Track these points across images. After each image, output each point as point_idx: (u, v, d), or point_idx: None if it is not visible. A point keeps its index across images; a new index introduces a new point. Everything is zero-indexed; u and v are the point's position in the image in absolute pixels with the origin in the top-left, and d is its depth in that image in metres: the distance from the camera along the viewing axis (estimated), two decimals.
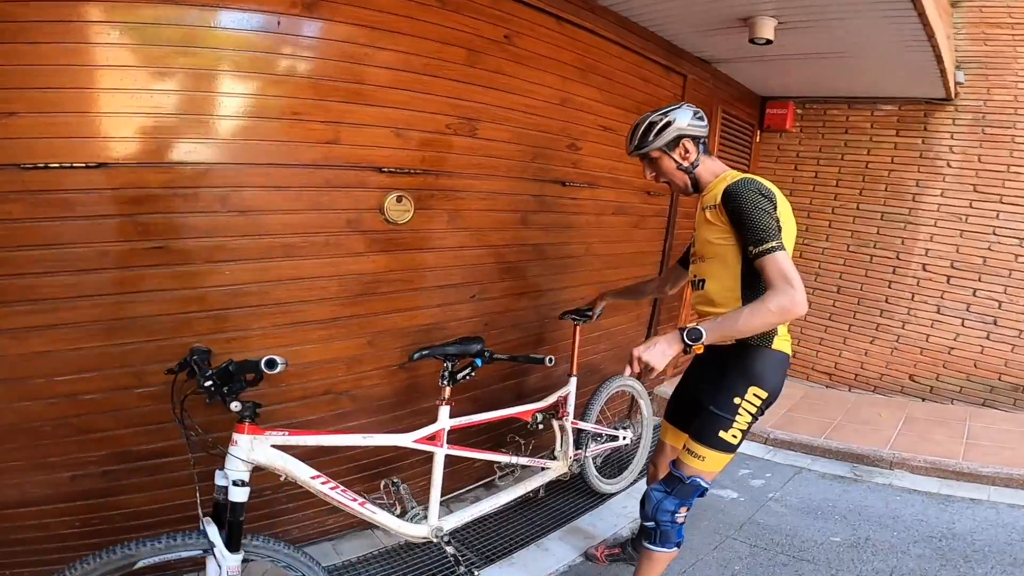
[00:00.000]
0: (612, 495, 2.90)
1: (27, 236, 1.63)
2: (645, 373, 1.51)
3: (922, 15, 2.68)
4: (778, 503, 2.92)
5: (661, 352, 1.50)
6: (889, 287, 4.43)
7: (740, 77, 4.21)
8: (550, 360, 2.22)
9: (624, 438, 2.81)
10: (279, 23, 1.88)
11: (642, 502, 1.81)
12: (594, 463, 2.80)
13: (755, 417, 1.72)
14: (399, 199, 2.22)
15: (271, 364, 1.46)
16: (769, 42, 2.98)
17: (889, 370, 4.46)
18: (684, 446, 1.76)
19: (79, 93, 1.62)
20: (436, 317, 2.47)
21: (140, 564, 1.41)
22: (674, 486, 1.74)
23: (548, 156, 2.78)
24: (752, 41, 3.00)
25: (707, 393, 1.75)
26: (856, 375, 4.59)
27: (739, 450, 3.60)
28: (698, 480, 1.71)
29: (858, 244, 4.55)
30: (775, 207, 1.60)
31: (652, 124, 1.78)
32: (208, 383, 1.48)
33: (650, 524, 1.76)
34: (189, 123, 1.79)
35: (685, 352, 1.52)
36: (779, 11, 2.83)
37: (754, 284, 1.60)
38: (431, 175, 2.32)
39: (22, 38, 1.54)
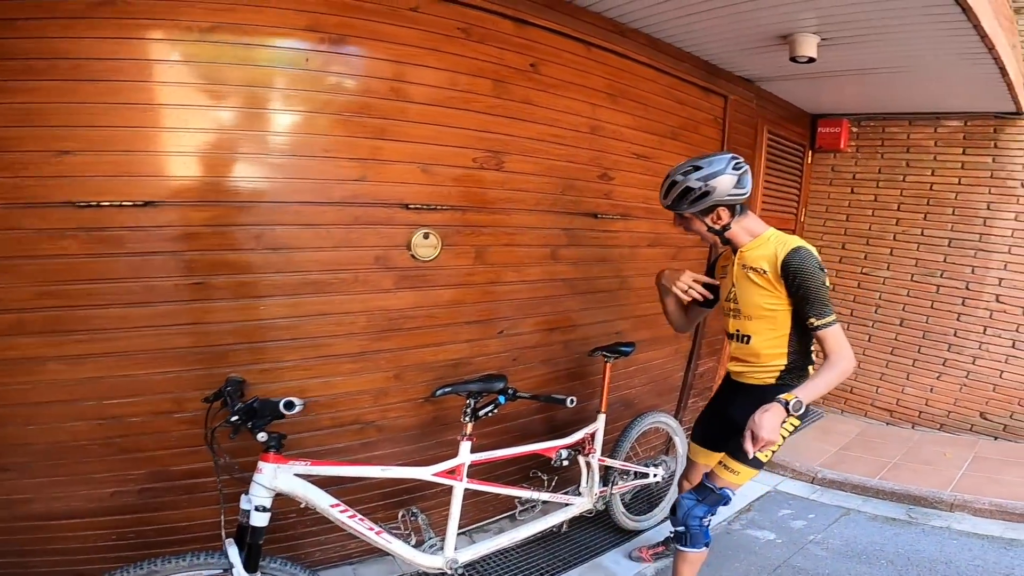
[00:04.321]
0: (640, 532, 2.82)
1: (82, 271, 1.77)
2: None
3: (977, 27, 2.50)
4: (819, 546, 2.76)
5: (775, 429, 1.63)
6: (958, 319, 4.11)
7: (787, 95, 4.05)
8: (571, 401, 2.20)
9: (655, 476, 2.72)
10: (307, 59, 1.95)
11: (673, 509, 2.02)
12: (622, 499, 2.73)
13: (785, 439, 1.90)
14: (426, 235, 2.27)
15: (289, 406, 1.57)
16: (812, 60, 2.85)
17: (957, 407, 4.13)
18: (720, 462, 1.95)
19: (125, 132, 1.74)
20: (464, 352, 2.49)
21: None
22: (705, 495, 1.95)
23: (578, 187, 2.75)
24: (794, 59, 2.88)
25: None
26: (920, 412, 4.28)
27: (782, 489, 3.47)
28: (727, 491, 1.93)
29: (923, 273, 4.25)
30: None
31: (689, 191, 1.81)
32: (235, 418, 1.57)
33: (680, 528, 1.98)
34: (225, 161, 1.90)
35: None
36: (821, 28, 2.71)
37: (802, 340, 1.88)
38: (458, 211, 2.36)
39: (75, 75, 1.64)
